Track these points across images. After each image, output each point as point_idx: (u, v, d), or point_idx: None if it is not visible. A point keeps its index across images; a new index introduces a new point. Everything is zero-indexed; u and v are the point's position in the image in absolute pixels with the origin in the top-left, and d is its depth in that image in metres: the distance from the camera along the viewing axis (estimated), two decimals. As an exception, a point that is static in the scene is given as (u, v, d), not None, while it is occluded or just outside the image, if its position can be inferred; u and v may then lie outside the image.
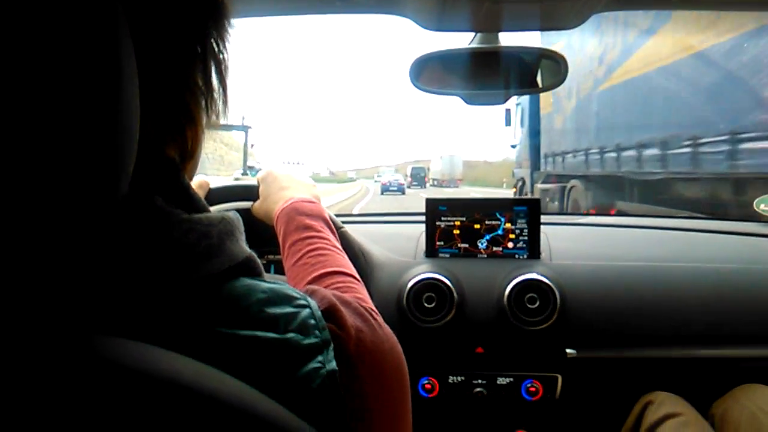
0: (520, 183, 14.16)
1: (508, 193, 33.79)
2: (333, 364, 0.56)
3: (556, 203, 11.15)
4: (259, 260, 0.65)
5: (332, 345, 0.57)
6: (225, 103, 0.67)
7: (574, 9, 1.15)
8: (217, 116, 0.66)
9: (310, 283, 0.93)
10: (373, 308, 0.90)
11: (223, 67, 0.66)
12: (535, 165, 12.81)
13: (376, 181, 72.07)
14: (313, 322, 0.57)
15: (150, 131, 0.58)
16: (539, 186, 12.24)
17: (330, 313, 0.62)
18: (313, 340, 0.55)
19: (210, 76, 0.64)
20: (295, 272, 0.97)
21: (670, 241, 1.86)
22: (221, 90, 0.66)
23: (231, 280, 0.57)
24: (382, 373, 0.67)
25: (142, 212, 0.52)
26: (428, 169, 74.52)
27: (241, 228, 0.64)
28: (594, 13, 1.18)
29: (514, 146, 14.73)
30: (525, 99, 13.06)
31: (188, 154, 0.65)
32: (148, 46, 0.54)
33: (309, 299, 0.61)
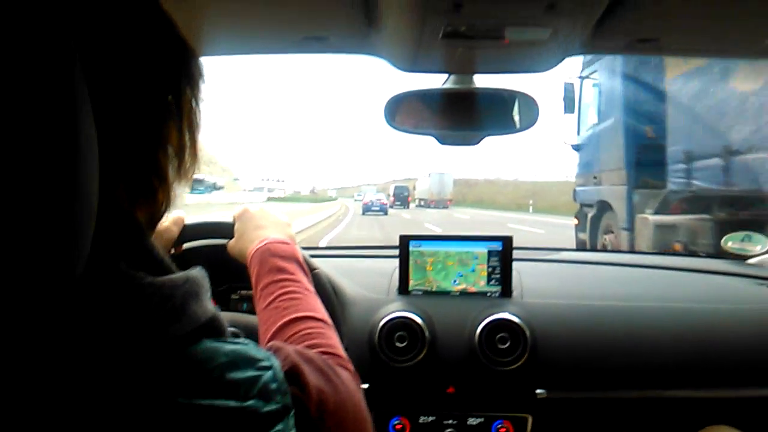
0: (592, 210, 8.47)
1: (527, 218, 32.19)
2: None
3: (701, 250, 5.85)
4: (221, 317, 0.64)
5: (293, 411, 0.56)
6: (194, 160, 0.66)
7: (546, 54, 1.16)
8: (188, 174, 0.65)
9: (281, 327, 0.91)
10: (341, 355, 0.89)
11: (195, 124, 0.65)
12: (639, 177, 7.31)
13: (356, 200, 69.19)
14: (275, 386, 0.56)
15: (121, 193, 0.56)
16: (653, 219, 6.79)
17: (292, 374, 0.61)
18: (273, 407, 0.54)
19: (183, 135, 0.63)
20: (267, 316, 0.96)
21: (641, 280, 1.87)
22: (192, 147, 0.65)
23: (193, 344, 0.55)
24: None
25: (105, 277, 0.51)
26: (413, 188, 69.76)
27: (207, 286, 0.62)
28: (567, 57, 1.19)
29: (577, 148, 9.20)
30: (611, 64, 7.75)
31: (158, 215, 0.64)
32: (118, 106, 0.53)
33: (272, 359, 0.60)
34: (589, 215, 8.47)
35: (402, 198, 57.00)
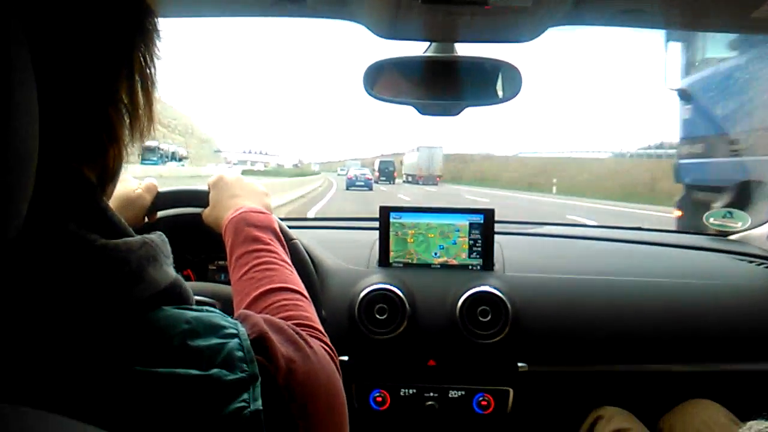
0: (719, 197, 5.14)
1: (544, 201, 26.46)
2: (258, 403, 0.53)
3: None
4: (185, 284, 0.61)
5: (259, 380, 0.54)
6: (150, 119, 0.63)
7: (529, 23, 1.13)
8: (142, 134, 0.63)
9: (255, 299, 0.89)
10: (317, 327, 0.87)
11: (150, 82, 0.62)
12: None
13: (339, 175, 64.23)
14: (240, 354, 0.54)
15: (68, 150, 0.54)
16: None
17: (260, 342, 0.59)
18: (238, 375, 0.52)
19: (136, 92, 0.60)
20: (241, 287, 0.93)
21: (623, 254, 1.87)
22: (147, 106, 0.62)
23: (153, 310, 0.53)
24: (315, 405, 0.64)
25: (53, 238, 0.49)
26: (401, 163, 63.81)
27: (167, 251, 0.60)
28: (549, 27, 1.16)
29: (685, 96, 6.28)
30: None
31: (109, 174, 0.61)
32: (67, 62, 0.51)
33: (239, 327, 0.58)
34: (716, 204, 4.81)
35: (387, 173, 54.28)
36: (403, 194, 30.41)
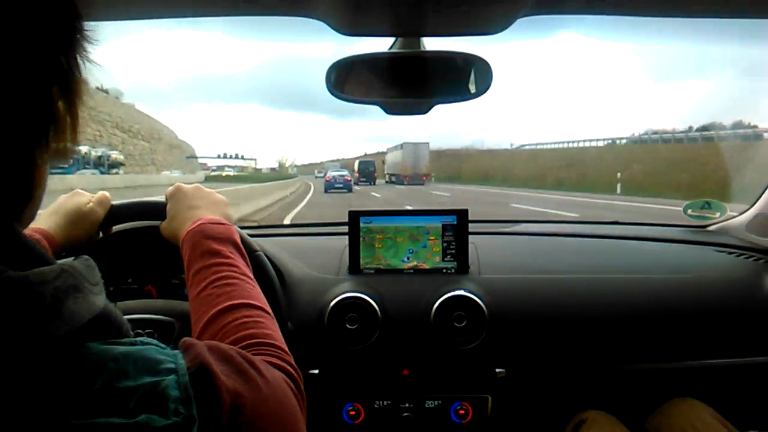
0: None
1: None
2: None
3: None
4: (117, 313, 0.55)
5: (197, 423, 0.48)
6: (74, 130, 0.56)
7: (497, 13, 1.07)
8: (65, 148, 0.56)
9: (213, 317, 0.84)
10: (279, 346, 0.81)
11: (73, 90, 0.55)
12: None
13: (317, 177, 61.74)
14: (176, 393, 0.48)
15: None
16: None
17: (201, 376, 0.53)
18: (171, 421, 0.46)
19: (55, 101, 0.53)
20: (198, 304, 0.88)
21: (601, 250, 1.83)
22: (70, 116, 0.55)
23: (73, 349, 0.47)
24: None
25: None
26: (383, 162, 58.65)
27: (95, 277, 0.53)
28: (518, 18, 1.10)
29: None
30: None
31: (27, 195, 0.54)
32: None
33: (178, 360, 0.52)
34: None
35: (367, 174, 50.34)
36: (376, 192, 30.50)
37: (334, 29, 1.13)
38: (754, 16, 1.20)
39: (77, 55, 0.55)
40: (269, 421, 0.60)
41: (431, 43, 1.24)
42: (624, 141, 50.26)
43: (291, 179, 48.91)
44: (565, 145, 58.77)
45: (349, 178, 36.71)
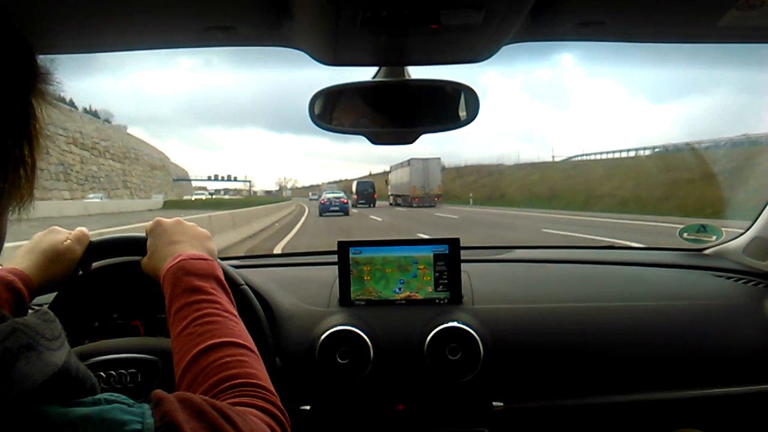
0: None
1: None
2: None
3: None
4: (80, 369, 0.51)
5: None
6: (32, 180, 0.53)
7: (482, 41, 1.05)
8: (22, 198, 0.53)
9: (195, 357, 0.81)
10: (264, 386, 0.78)
11: (33, 135, 0.52)
12: None
13: (311, 200, 56.59)
14: None
15: None
16: None
17: None
18: None
19: (11, 149, 0.50)
20: (180, 344, 0.85)
21: (595, 277, 1.79)
22: (25, 167, 0.52)
23: (27, 414, 0.44)
24: None
25: None
26: (386, 182, 52.55)
27: (54, 332, 0.50)
28: (503, 45, 1.08)
29: None
30: None
31: None
32: None
33: (146, 419, 0.49)
34: None
35: (366, 195, 45.89)
36: (376, 215, 28.25)
37: (315, 59, 1.11)
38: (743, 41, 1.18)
39: (35, 101, 0.52)
40: None
41: (417, 71, 1.21)
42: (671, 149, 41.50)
43: (285, 202, 45.75)
44: (614, 155, 49.67)
45: (345, 200, 33.60)
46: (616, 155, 49.51)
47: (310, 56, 1.09)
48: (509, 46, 1.12)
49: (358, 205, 43.23)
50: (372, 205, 44.48)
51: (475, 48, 1.09)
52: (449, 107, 1.23)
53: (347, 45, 1.04)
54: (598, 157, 52.84)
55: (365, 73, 1.23)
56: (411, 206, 40.47)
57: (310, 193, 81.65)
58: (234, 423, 0.59)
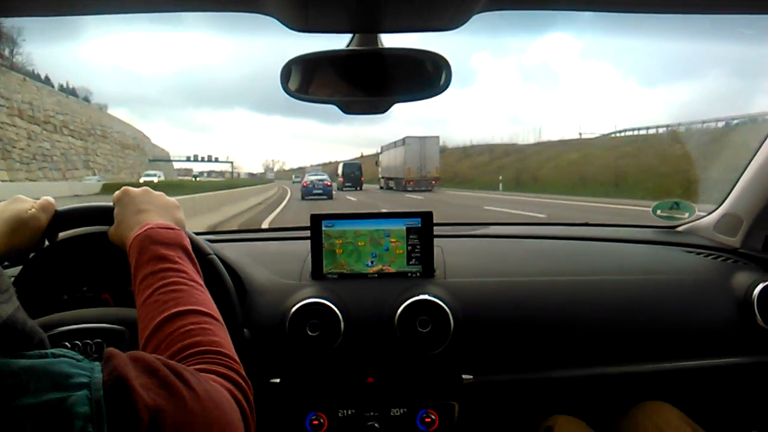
0: None
1: None
2: None
3: None
4: (26, 322, 0.51)
5: None
6: None
7: (452, 8, 1.04)
8: None
9: (159, 325, 0.80)
10: (227, 354, 0.78)
11: None
12: None
13: (294, 183, 52.31)
14: (85, 410, 0.45)
15: None
16: None
17: (117, 390, 0.49)
18: None
19: None
20: (145, 312, 0.84)
21: (570, 252, 1.80)
22: None
23: None
24: None
25: None
26: (376, 163, 48.23)
27: (1, 284, 0.49)
28: (475, 13, 1.07)
29: None
30: None
31: None
32: None
33: (94, 373, 0.49)
34: None
35: (353, 178, 41.97)
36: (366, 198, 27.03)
37: (285, 25, 1.09)
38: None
39: None
40: None
41: (390, 41, 1.20)
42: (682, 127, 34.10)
43: (267, 184, 42.70)
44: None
45: (329, 183, 31.00)
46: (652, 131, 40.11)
47: (281, 22, 1.08)
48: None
49: (344, 188, 40.30)
50: (359, 188, 41.32)
51: (445, 15, 1.07)
52: (422, 76, 1.22)
53: (318, 10, 1.02)
54: (636, 133, 42.48)
55: (338, 44, 1.22)
56: (405, 190, 36.50)
57: (293, 176, 76.99)
58: (186, 381, 0.59)
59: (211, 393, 0.62)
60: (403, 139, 39.31)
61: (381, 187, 43.53)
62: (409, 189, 36.38)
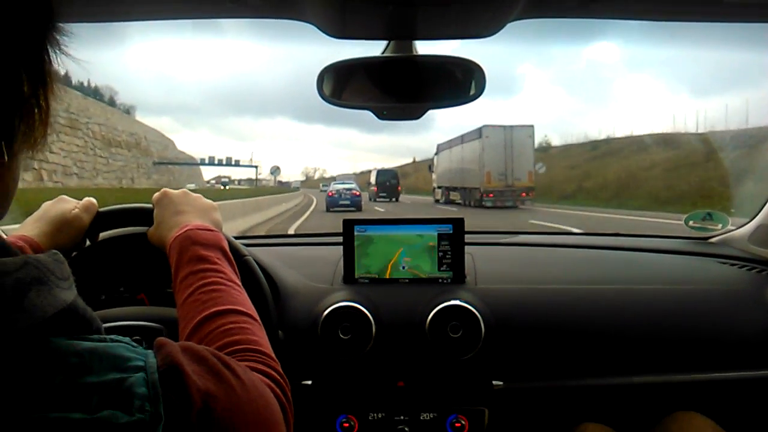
0: None
1: None
2: None
3: None
4: (87, 310, 0.54)
5: (163, 421, 0.47)
6: (45, 122, 0.55)
7: (487, 16, 1.06)
8: (35, 141, 0.54)
9: (199, 323, 0.83)
10: (265, 352, 0.80)
11: (45, 80, 0.54)
12: None
13: (322, 191, 45.25)
14: (142, 390, 0.47)
15: None
16: None
17: (171, 375, 0.52)
18: (135, 417, 0.45)
19: (24, 89, 0.52)
20: (185, 311, 0.87)
21: (602, 261, 1.80)
22: (40, 110, 0.54)
23: (36, 343, 0.46)
24: None
25: None
26: (430, 168, 37.64)
27: (63, 272, 0.52)
28: (509, 21, 1.09)
29: None
30: None
31: (5, 189, 0.55)
32: None
33: (149, 358, 0.51)
34: None
35: (388, 187, 35.05)
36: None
37: (323, 32, 1.12)
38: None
39: (50, 46, 0.54)
40: (243, 422, 0.58)
41: (425, 48, 1.23)
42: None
43: (291, 193, 38.57)
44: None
45: (357, 193, 25.94)
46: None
47: (318, 28, 1.11)
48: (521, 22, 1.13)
49: (377, 199, 34.26)
50: (395, 199, 34.58)
51: (480, 22, 1.09)
52: (456, 83, 1.24)
53: (355, 18, 1.05)
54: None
55: (374, 51, 1.25)
56: (481, 206, 25.07)
57: (321, 185, 71.91)
58: (234, 371, 0.61)
59: (257, 384, 0.64)
60: (479, 130, 26.52)
61: (437, 201, 33.35)
62: (488, 203, 24.95)
